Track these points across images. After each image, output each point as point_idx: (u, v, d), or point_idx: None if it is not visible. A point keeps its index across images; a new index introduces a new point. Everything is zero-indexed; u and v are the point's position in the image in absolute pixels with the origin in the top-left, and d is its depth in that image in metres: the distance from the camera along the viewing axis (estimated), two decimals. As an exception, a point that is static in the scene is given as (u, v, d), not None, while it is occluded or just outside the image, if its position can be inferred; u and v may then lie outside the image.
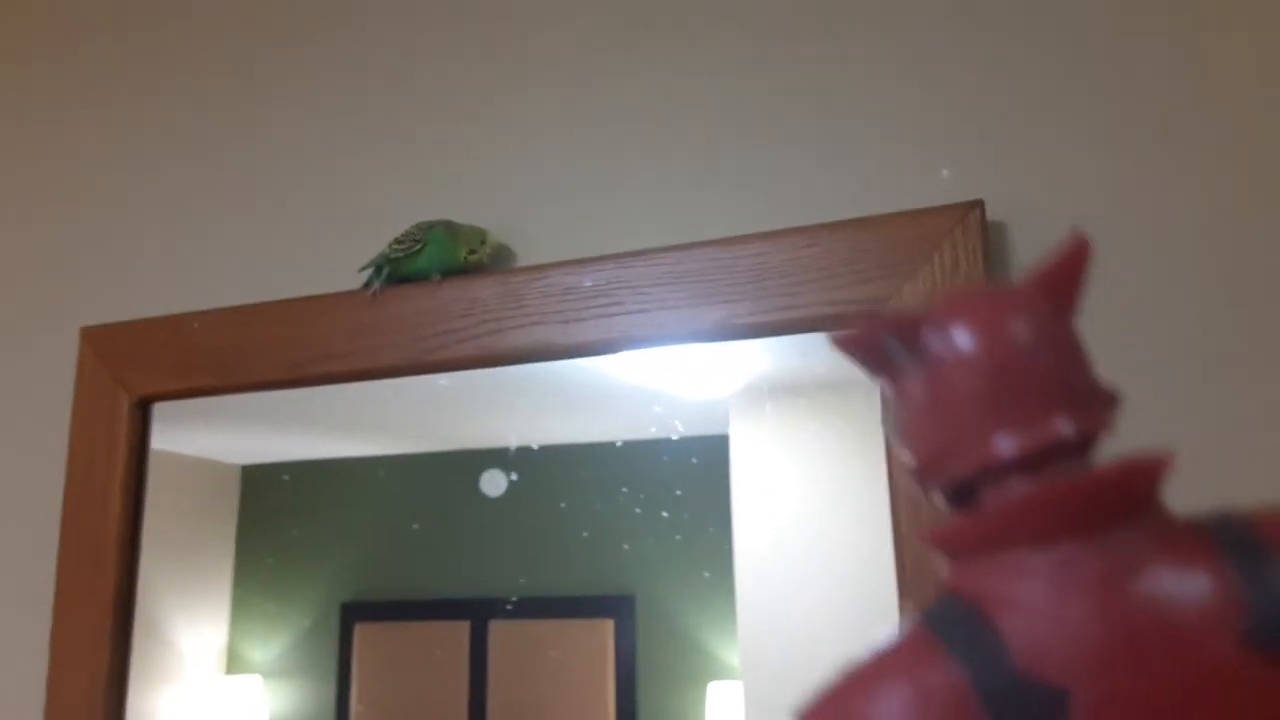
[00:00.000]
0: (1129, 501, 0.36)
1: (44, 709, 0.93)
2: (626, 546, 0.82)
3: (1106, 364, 0.71)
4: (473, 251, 0.88)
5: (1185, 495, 0.54)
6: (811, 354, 0.78)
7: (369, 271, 0.93)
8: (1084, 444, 0.37)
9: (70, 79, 1.15)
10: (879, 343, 0.38)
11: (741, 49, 0.88)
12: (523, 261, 0.91)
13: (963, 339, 0.37)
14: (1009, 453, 0.36)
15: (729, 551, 0.78)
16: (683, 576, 0.80)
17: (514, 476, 0.86)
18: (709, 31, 0.89)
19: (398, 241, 0.89)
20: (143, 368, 0.98)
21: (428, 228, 0.89)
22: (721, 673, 0.79)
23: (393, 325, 0.89)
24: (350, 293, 0.92)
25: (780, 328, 0.77)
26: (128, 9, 1.14)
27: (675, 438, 0.82)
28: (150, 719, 0.94)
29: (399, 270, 0.90)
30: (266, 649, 0.93)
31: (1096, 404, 0.38)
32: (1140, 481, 0.36)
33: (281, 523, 0.95)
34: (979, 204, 0.74)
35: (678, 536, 0.80)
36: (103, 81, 1.13)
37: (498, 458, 0.87)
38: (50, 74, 1.16)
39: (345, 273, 0.97)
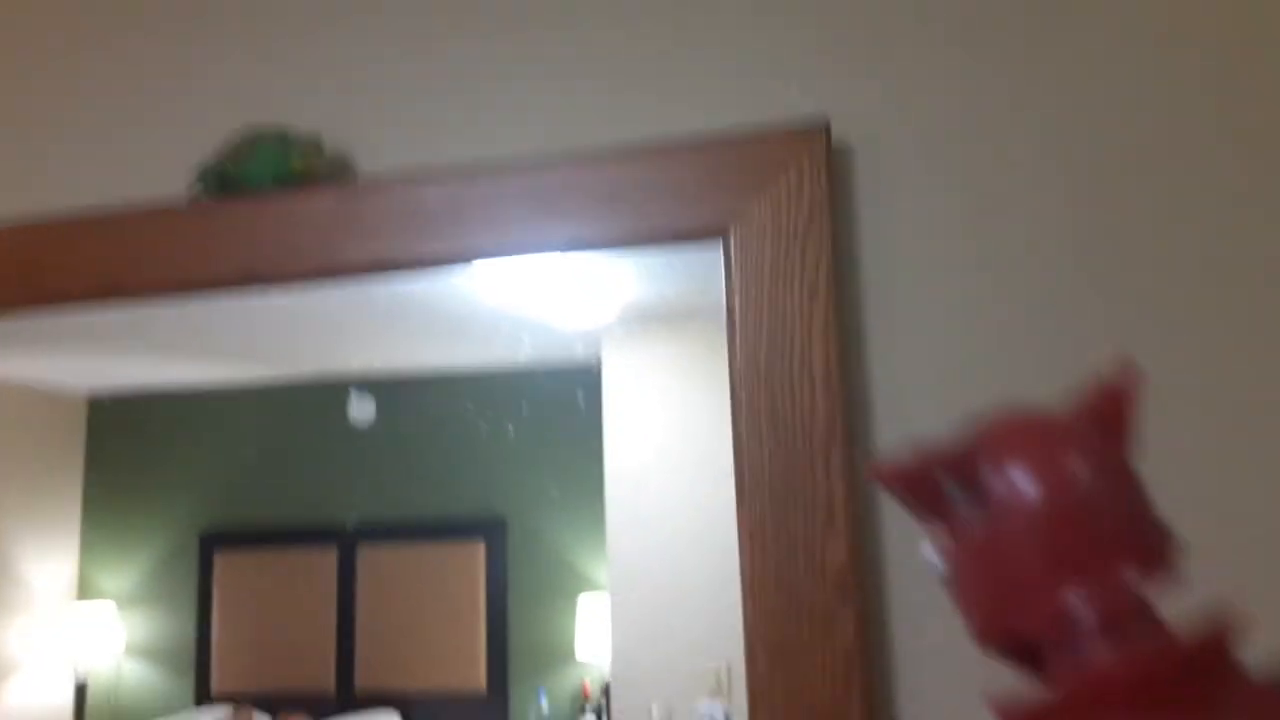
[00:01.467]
0: (1214, 667, 0.33)
1: None
2: (497, 471, 0.83)
3: (954, 283, 0.76)
4: (307, 160, 0.84)
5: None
6: (675, 283, 0.79)
7: (195, 181, 0.87)
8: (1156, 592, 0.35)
9: None
10: (932, 481, 0.35)
11: (588, -54, 0.84)
12: (363, 171, 0.87)
13: (1024, 479, 0.34)
14: (1083, 613, 0.33)
15: (598, 475, 0.80)
16: (554, 499, 0.83)
17: (381, 403, 0.85)
18: (553, -75, 0.85)
19: (225, 149, 0.84)
20: (-59, 284, 0.89)
21: (257, 135, 0.83)
22: (590, 586, 0.82)
23: (222, 238, 0.85)
24: (174, 202, 0.86)
25: (628, 241, 0.78)
26: None
27: (544, 366, 0.82)
28: (3, 651, 0.92)
29: (228, 179, 0.84)
30: (120, 577, 0.91)
31: (1161, 545, 0.35)
32: (1221, 645, 0.33)
33: (134, 452, 0.92)
34: (825, 125, 0.75)
35: (547, 460, 0.82)
36: None
37: (364, 385, 0.85)
38: None
39: (169, 181, 0.90)
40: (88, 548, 0.91)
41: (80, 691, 0.91)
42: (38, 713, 0.91)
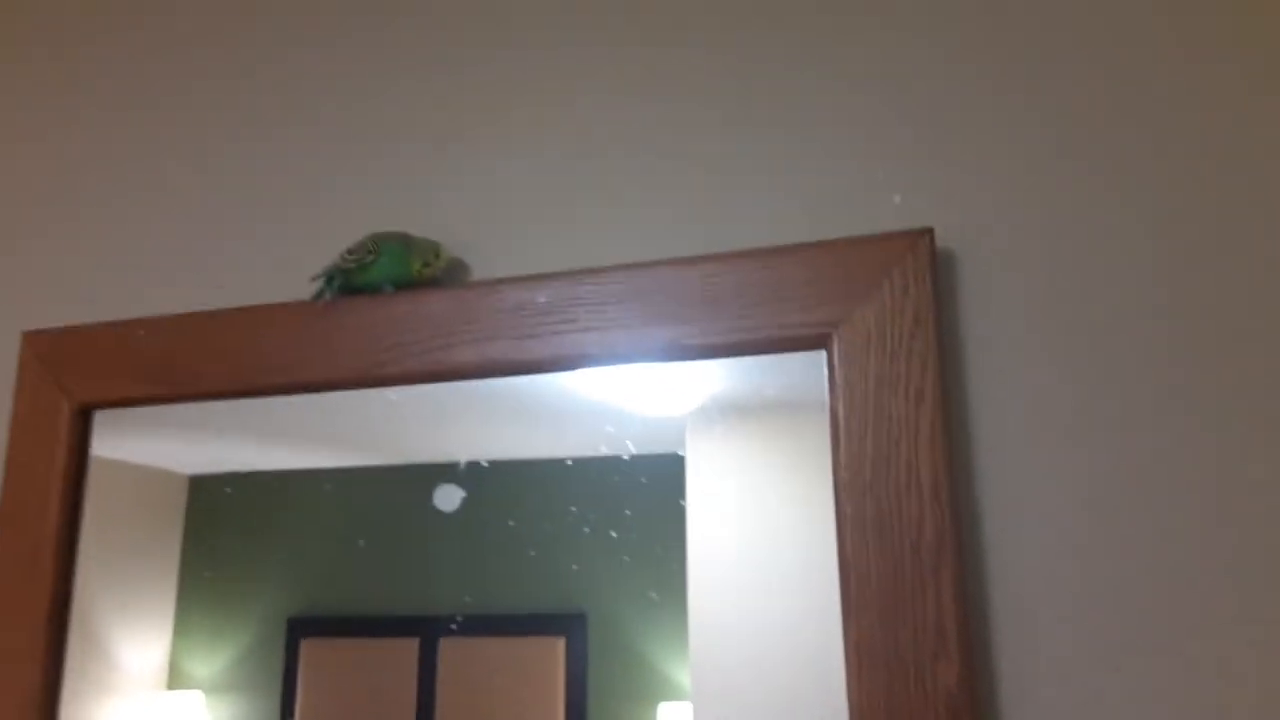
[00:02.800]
0: None
1: (-26, 723, 0.91)
2: (576, 566, 0.82)
3: (1064, 390, 0.73)
4: (426, 265, 0.88)
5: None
6: (766, 375, 0.78)
7: (320, 282, 0.92)
8: None
9: (17, 81, 1.13)
10: None
11: (698, 73, 0.88)
12: (477, 276, 0.90)
13: None
14: None
15: (680, 571, 0.78)
16: (633, 595, 0.80)
17: (466, 492, 0.85)
18: (667, 55, 0.89)
19: (350, 252, 0.88)
20: (85, 374, 0.96)
21: (381, 239, 0.88)
22: (672, 693, 0.78)
23: (343, 337, 0.88)
24: (300, 303, 0.91)
25: (731, 349, 0.78)
26: (80, 17, 1.12)
27: (627, 456, 0.82)
28: None
29: (351, 281, 0.89)
30: (209, 664, 0.91)
31: None
32: None
33: (228, 535, 0.93)
34: (929, 231, 0.74)
35: (626, 557, 0.80)
36: (51, 84, 1.11)
37: (449, 473, 0.86)
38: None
39: (296, 282, 0.95)
40: (180, 632, 0.92)
41: (165, 781, 0.90)
42: (122, 802, 0.91)
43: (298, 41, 1.02)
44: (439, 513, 0.86)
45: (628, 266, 0.82)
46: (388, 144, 0.97)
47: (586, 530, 0.81)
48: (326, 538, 0.89)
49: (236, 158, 1.02)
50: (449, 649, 0.85)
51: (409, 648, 0.86)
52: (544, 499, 0.83)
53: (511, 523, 0.83)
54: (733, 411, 0.79)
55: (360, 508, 0.89)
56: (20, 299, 1.05)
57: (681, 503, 0.79)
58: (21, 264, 1.07)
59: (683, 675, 0.78)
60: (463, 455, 0.86)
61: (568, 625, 0.82)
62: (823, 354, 0.76)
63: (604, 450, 0.82)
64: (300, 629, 0.89)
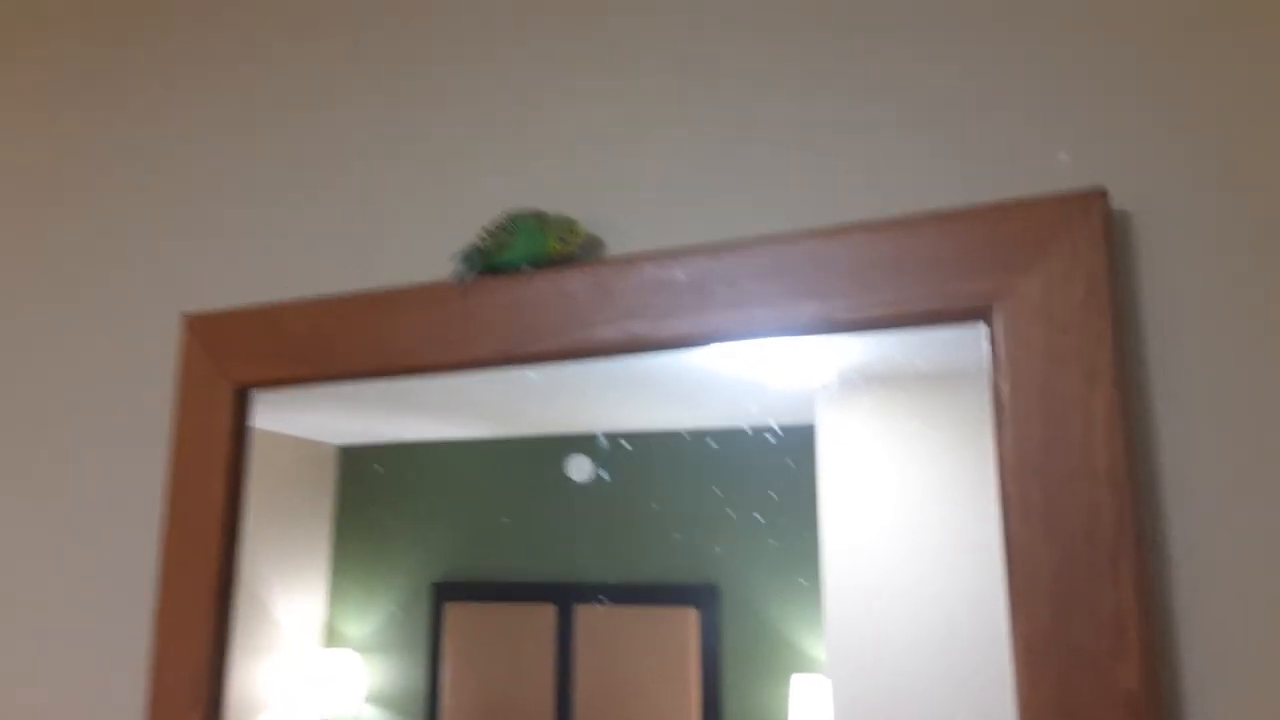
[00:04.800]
0: None
1: (150, 682, 0.97)
2: (710, 536, 0.81)
3: (1255, 368, 0.66)
4: (563, 241, 0.87)
5: None
6: (911, 346, 0.74)
7: (459, 262, 0.92)
8: None
9: (174, 75, 1.17)
10: None
11: (838, 35, 0.83)
12: (613, 252, 0.89)
13: None
14: None
15: (814, 544, 0.76)
16: (767, 567, 0.79)
17: (600, 464, 0.86)
18: (806, 21, 0.85)
19: (487, 232, 0.88)
20: (242, 356, 0.99)
21: (517, 217, 0.87)
22: (805, 665, 0.77)
23: (482, 317, 0.89)
24: (439, 284, 0.91)
25: (884, 323, 0.74)
26: (224, 11, 1.16)
27: (764, 429, 0.80)
28: (252, 688, 0.97)
29: (489, 261, 0.89)
30: (361, 625, 0.95)
31: None
32: None
33: (376, 502, 0.96)
34: (1101, 192, 0.68)
35: (763, 526, 0.79)
36: (204, 77, 1.15)
37: (585, 444, 0.87)
38: (153, 68, 1.19)
39: (436, 262, 0.96)
40: (335, 594, 0.96)
41: (323, 736, 0.95)
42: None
43: (427, 22, 1.02)
44: (574, 483, 0.87)
45: (770, 239, 0.78)
46: (521, 122, 0.96)
47: (720, 500, 0.80)
48: (468, 506, 0.91)
49: (377, 144, 1.03)
50: (585, 616, 0.86)
51: (547, 613, 0.87)
52: (677, 470, 0.83)
53: (646, 493, 0.83)
54: (873, 382, 0.76)
55: (500, 478, 0.90)
56: (180, 282, 1.10)
57: (815, 474, 0.77)
58: (181, 249, 1.11)
59: (815, 648, 0.76)
60: (599, 428, 0.86)
61: (700, 596, 0.82)
62: (981, 327, 0.71)
63: (741, 423, 0.81)
64: (445, 593, 0.91)
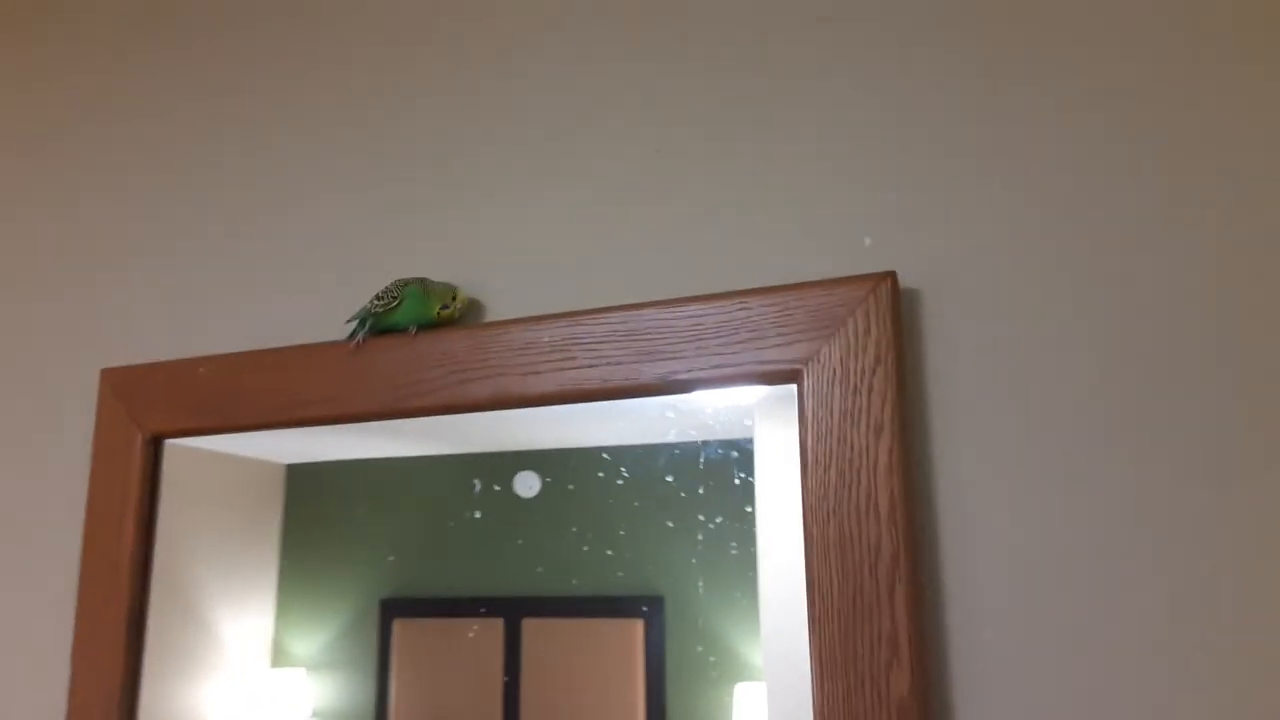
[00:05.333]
0: None
1: (66, 709, 1.04)
2: (656, 549, 0.85)
3: (1016, 422, 0.78)
4: (445, 307, 0.97)
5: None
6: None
7: (354, 324, 1.02)
8: None
9: (85, 130, 1.26)
10: None
11: (691, 127, 0.95)
12: (491, 316, 1.00)
13: None
14: None
15: (750, 554, 0.81)
16: (711, 579, 0.83)
17: (547, 478, 0.89)
18: (654, 111, 0.97)
19: (378, 297, 0.98)
20: (155, 408, 1.08)
21: (404, 285, 0.98)
22: (749, 674, 0.81)
23: (373, 374, 0.98)
24: (335, 343, 1.01)
25: (715, 383, 0.85)
26: (140, 70, 1.25)
27: (703, 441, 0.85)
28: (198, 708, 1.00)
29: (380, 323, 0.99)
30: (309, 643, 0.98)
31: None
32: None
33: (325, 520, 0.99)
34: (890, 275, 0.81)
35: (703, 538, 0.83)
36: (117, 137, 1.24)
37: (530, 460, 0.91)
38: (62, 122, 1.27)
39: (333, 323, 1.06)
40: (282, 612, 0.99)
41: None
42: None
43: (323, 108, 1.13)
44: (519, 499, 0.90)
45: (620, 308, 0.90)
46: (412, 196, 1.06)
47: (663, 514, 0.84)
48: (414, 523, 0.94)
49: (283, 215, 1.13)
50: (532, 629, 0.89)
51: (494, 628, 0.90)
52: (622, 484, 0.87)
53: (590, 507, 0.87)
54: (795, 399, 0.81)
55: (446, 494, 0.93)
56: (99, 338, 1.18)
57: (752, 484, 0.82)
58: (99, 307, 1.20)
59: (758, 657, 0.80)
60: (543, 444, 0.90)
61: (646, 608, 0.85)
62: (793, 389, 0.83)
63: (679, 436, 0.86)
64: (393, 610, 0.94)
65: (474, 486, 0.92)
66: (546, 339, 0.92)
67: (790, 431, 0.83)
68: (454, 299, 0.97)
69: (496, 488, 0.92)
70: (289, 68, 1.16)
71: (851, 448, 0.79)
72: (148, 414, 1.08)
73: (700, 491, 0.84)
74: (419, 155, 1.07)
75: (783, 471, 0.82)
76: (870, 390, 0.79)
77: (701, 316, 0.86)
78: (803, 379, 0.82)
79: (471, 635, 0.91)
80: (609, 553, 0.86)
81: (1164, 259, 0.77)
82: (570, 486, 0.89)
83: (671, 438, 0.87)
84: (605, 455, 0.88)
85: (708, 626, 0.82)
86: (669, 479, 0.85)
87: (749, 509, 0.82)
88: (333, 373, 1.00)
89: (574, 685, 0.87)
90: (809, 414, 0.81)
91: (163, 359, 1.12)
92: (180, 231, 1.18)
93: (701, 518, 0.84)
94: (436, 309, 0.97)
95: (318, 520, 1.00)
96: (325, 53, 1.14)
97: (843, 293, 0.82)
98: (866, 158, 0.88)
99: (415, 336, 0.98)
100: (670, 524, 0.84)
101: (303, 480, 1.01)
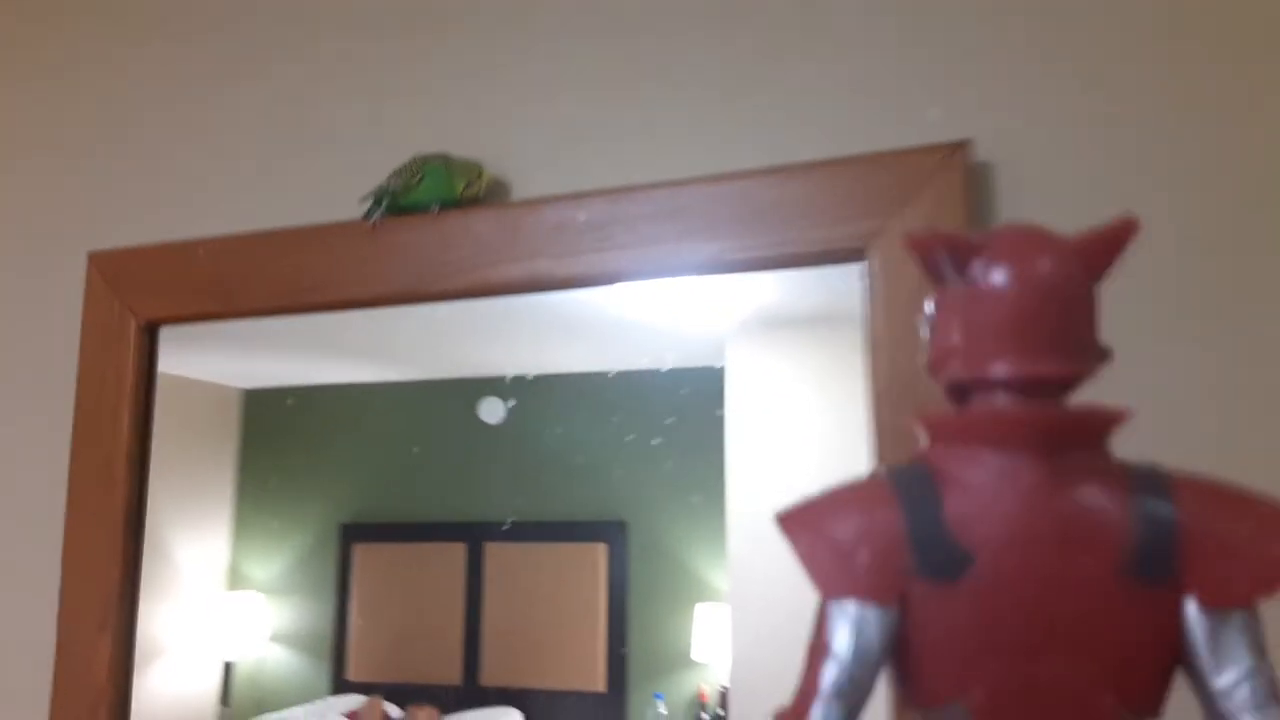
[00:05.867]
0: (1079, 437, 0.45)
1: (56, 623, 0.97)
2: (619, 473, 0.84)
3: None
4: (469, 185, 0.90)
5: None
6: (803, 290, 0.80)
7: (369, 202, 0.94)
8: (1068, 383, 0.46)
9: (83, 9, 1.16)
10: (934, 255, 0.47)
11: (740, -13, 0.88)
12: (517, 196, 0.92)
13: (999, 277, 0.45)
14: (1001, 375, 0.45)
15: (719, 479, 0.81)
16: (673, 503, 0.83)
17: (511, 404, 0.88)
18: (708, -31, 0.89)
19: (396, 174, 0.91)
20: (150, 293, 1.00)
21: (425, 161, 0.90)
22: (709, 595, 0.81)
23: (393, 256, 0.91)
24: (351, 223, 0.94)
25: (768, 263, 0.79)
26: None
27: (668, 369, 0.84)
28: (153, 631, 0.99)
29: (398, 202, 0.91)
30: (267, 567, 0.96)
31: (1088, 356, 0.46)
32: (1093, 425, 0.45)
33: (282, 445, 0.97)
34: (964, 144, 0.75)
35: (669, 464, 0.83)
36: (115, 10, 1.14)
37: (495, 386, 0.89)
38: (60, 5, 1.18)
39: (346, 204, 0.98)
40: (238, 537, 0.97)
41: (226, 674, 0.97)
42: (184, 693, 0.97)
43: (345, -33, 1.04)
44: (484, 424, 0.89)
45: (666, 184, 0.83)
46: (430, 68, 0.98)
47: (629, 440, 0.84)
48: (376, 448, 0.93)
49: (290, 82, 1.04)
50: (495, 553, 0.88)
51: (456, 552, 0.90)
52: (587, 411, 0.86)
53: (555, 433, 0.86)
54: (772, 323, 0.81)
55: (409, 420, 0.92)
56: (85, 221, 1.10)
57: (719, 413, 0.81)
58: (86, 186, 1.11)
59: (719, 579, 0.81)
60: (509, 370, 0.89)
61: (609, 532, 0.85)
62: (859, 266, 0.77)
63: (647, 363, 0.85)
64: (352, 534, 0.93)
65: (437, 412, 0.90)
66: (583, 218, 0.85)
67: (760, 361, 0.80)
68: (478, 177, 0.90)
69: (461, 413, 0.89)
70: (294, -69, 1.07)
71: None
72: (141, 300, 1.01)
73: (669, 420, 0.83)
74: (438, 17, 0.99)
75: (752, 397, 0.80)
76: (943, 267, 0.73)
77: (756, 192, 0.80)
78: (870, 256, 0.76)
79: (433, 559, 0.90)
80: (574, 479, 0.86)
81: (1245, 139, 0.72)
82: (536, 412, 0.87)
83: (641, 364, 0.85)
84: (572, 381, 0.87)
85: (671, 550, 0.82)
86: (637, 405, 0.84)
87: (717, 436, 0.81)
88: (349, 254, 0.93)
89: (536, 609, 0.87)
90: (878, 293, 0.75)
91: (156, 241, 1.04)
92: (177, 103, 1.09)
93: (667, 444, 0.83)
94: (460, 187, 0.90)
95: (276, 446, 0.97)
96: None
97: (914, 163, 0.76)
98: (929, 26, 0.81)
99: (438, 216, 0.90)
100: (636, 450, 0.84)
101: (261, 406, 0.99)
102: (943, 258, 0.46)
